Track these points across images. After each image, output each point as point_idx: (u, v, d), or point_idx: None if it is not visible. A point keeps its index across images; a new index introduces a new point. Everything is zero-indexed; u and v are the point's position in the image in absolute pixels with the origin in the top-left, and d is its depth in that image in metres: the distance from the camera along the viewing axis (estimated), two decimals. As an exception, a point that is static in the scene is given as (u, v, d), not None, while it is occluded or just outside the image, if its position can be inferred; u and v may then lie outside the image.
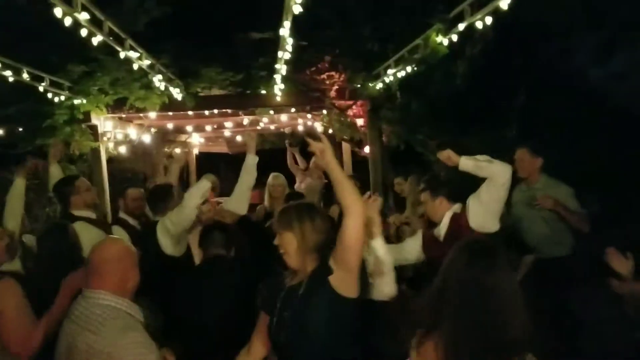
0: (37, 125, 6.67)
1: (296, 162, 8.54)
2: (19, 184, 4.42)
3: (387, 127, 7.11)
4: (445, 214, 3.77)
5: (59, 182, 4.60)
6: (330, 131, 8.14)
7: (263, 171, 7.22)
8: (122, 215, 5.08)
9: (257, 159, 4.52)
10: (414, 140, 7.15)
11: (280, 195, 5.43)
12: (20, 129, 7.03)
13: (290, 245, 2.44)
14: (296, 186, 8.00)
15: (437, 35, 4.83)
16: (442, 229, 3.74)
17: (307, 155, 8.16)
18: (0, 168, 7.85)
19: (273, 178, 5.63)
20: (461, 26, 4.45)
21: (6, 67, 5.16)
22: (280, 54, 5.27)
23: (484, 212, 3.59)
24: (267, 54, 6.68)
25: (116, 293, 2.26)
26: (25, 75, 5.45)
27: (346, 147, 8.83)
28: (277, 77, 6.20)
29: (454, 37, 4.69)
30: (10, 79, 5.34)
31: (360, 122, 7.31)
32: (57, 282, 2.87)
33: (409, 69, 5.54)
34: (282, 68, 5.79)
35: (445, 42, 4.79)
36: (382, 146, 7.20)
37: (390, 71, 5.99)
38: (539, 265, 4.50)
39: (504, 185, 3.55)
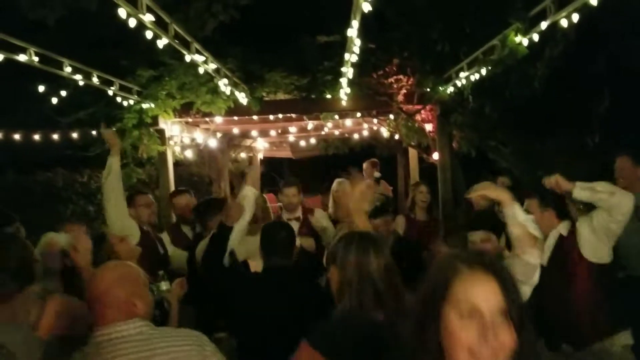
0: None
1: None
2: (114, 163, 4.10)
3: (458, 133, 6.78)
4: (550, 232, 3.41)
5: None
6: (397, 136, 7.90)
7: (326, 176, 7.05)
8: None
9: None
10: (486, 147, 6.80)
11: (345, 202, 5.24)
12: (94, 132, 7.21)
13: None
14: None
15: (515, 35, 4.50)
16: (545, 252, 3.36)
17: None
18: (73, 170, 8.15)
19: (338, 184, 5.45)
20: (544, 24, 4.11)
21: (76, 70, 5.24)
22: (347, 56, 5.08)
23: (596, 241, 3.23)
24: (333, 58, 6.57)
25: None
26: (94, 79, 5.53)
27: (413, 153, 8.55)
28: (343, 81, 6.02)
29: (535, 37, 4.35)
30: (81, 83, 5.43)
31: (429, 127, 7.01)
32: None
33: (483, 71, 5.22)
34: (348, 71, 5.61)
35: (525, 42, 4.46)
36: (452, 152, 6.87)
37: (462, 74, 5.69)
38: (634, 284, 4.08)
39: (622, 221, 3.14)
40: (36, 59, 4.68)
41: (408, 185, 9.18)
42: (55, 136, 7.92)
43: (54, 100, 6.06)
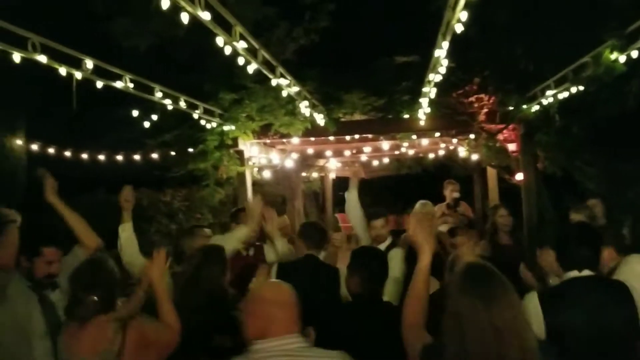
0: (191, 150, 7.03)
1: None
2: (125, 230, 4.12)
3: (542, 153, 6.55)
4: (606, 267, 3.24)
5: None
6: (474, 156, 7.73)
7: (400, 197, 6.95)
8: None
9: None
10: (572, 167, 6.53)
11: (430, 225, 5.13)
12: (173, 153, 7.47)
13: None
14: None
15: (611, 52, 4.32)
16: None
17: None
18: (156, 190, 8.47)
19: (421, 206, 5.36)
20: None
21: (166, 96, 5.46)
22: (431, 76, 5.04)
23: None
24: (411, 78, 6.54)
25: None
26: (182, 104, 5.75)
27: (491, 173, 8.35)
28: (423, 101, 5.98)
29: (634, 54, 4.16)
30: (170, 107, 5.66)
31: (511, 147, 6.82)
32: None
33: (573, 89, 5.04)
34: (430, 91, 5.56)
35: (622, 58, 4.27)
36: (537, 173, 6.64)
37: (549, 92, 5.51)
38: None
39: None
40: (131, 85, 4.91)
41: (485, 206, 8.95)
42: (139, 157, 8.28)
43: (147, 124, 6.33)
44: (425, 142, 7.60)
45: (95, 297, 2.53)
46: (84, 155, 8.71)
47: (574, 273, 2.72)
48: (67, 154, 8.82)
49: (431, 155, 9.04)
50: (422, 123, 6.62)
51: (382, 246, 4.80)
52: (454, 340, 1.93)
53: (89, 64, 4.22)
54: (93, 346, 2.49)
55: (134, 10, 6.40)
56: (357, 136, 7.25)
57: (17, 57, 3.60)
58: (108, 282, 2.65)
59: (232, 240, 4.02)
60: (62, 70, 4.07)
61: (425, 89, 5.57)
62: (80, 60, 4.22)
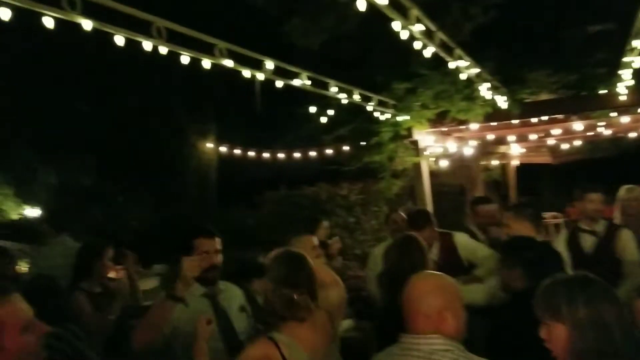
0: (364, 144, 7.03)
1: None
2: None
3: None
4: None
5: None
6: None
7: (594, 183, 6.21)
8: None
9: None
10: None
11: (638, 212, 4.49)
12: (346, 148, 7.55)
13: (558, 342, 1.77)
14: None
15: None
16: None
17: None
18: (334, 184, 8.68)
19: (627, 191, 4.69)
20: None
21: (341, 90, 5.49)
22: (635, 43, 4.37)
23: None
24: (606, 48, 5.81)
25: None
26: (356, 97, 5.75)
27: None
28: (624, 73, 5.23)
29: None
30: (344, 101, 5.69)
31: None
32: None
33: None
34: (633, 60, 4.84)
35: None
36: None
37: None
38: None
39: None
40: (308, 82, 5.01)
41: None
42: (315, 153, 8.54)
43: (323, 120, 6.47)
44: (626, 119, 6.70)
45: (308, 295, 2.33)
46: (266, 155, 9.28)
47: None
48: (252, 154, 9.46)
49: (633, 135, 7.97)
50: (623, 98, 5.83)
51: (599, 226, 4.23)
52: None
53: (270, 65, 4.37)
54: (319, 342, 2.34)
55: (306, 10, 6.56)
56: (544, 118, 6.63)
57: (206, 63, 3.83)
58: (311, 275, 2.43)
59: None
60: (246, 73, 4.26)
61: (627, 59, 4.87)
62: (260, 62, 4.39)
